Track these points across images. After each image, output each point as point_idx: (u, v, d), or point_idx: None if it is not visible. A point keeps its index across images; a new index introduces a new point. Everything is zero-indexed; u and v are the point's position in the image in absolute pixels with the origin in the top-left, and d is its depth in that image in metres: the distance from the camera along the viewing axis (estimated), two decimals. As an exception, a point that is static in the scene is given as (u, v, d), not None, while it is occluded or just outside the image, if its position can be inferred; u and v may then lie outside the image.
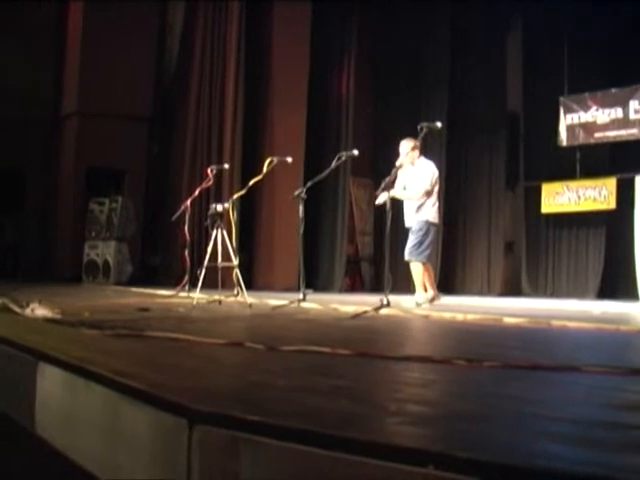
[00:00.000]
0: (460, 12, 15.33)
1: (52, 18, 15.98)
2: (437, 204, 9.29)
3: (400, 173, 8.76)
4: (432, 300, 9.01)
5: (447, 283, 14.64)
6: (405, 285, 10.82)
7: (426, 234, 8.98)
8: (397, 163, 8.50)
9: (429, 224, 9.04)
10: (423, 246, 8.95)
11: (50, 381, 2.93)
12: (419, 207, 9.01)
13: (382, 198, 8.50)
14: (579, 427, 1.90)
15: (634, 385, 2.73)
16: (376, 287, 14.87)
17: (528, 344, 4.65)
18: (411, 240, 9.01)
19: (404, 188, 9.07)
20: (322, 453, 1.61)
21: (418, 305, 8.67)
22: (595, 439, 1.73)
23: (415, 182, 9.05)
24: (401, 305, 7.73)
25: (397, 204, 9.34)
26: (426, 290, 9.16)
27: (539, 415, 2.07)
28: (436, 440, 1.68)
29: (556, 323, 5.80)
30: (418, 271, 9.05)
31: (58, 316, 5.26)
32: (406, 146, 8.94)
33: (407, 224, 9.16)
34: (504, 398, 2.39)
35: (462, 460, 1.42)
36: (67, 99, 15.77)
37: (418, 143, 8.60)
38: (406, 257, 9.04)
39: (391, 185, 7.59)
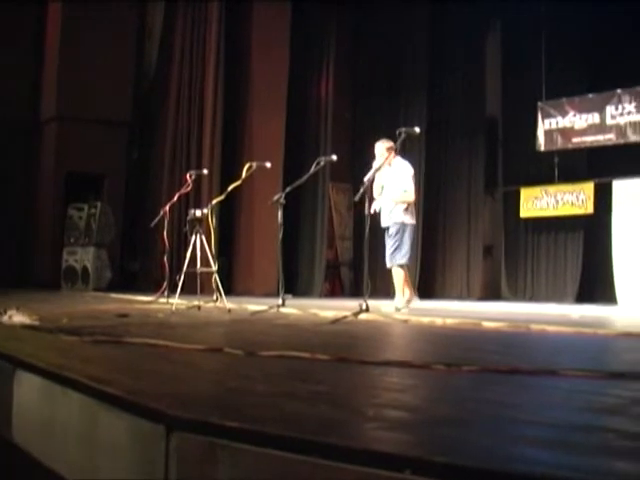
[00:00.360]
0: (439, 17, 15.40)
1: (31, 21, 15.89)
2: (412, 204, 9.31)
3: (377, 175, 8.72)
4: (409, 301, 9.06)
5: (426, 287, 14.68)
6: (385, 290, 10.83)
7: (403, 236, 9.00)
8: (374, 165, 8.53)
9: (404, 225, 9.04)
10: (403, 249, 8.97)
11: (27, 388, 2.91)
12: (395, 209, 9.02)
13: (376, 205, 8.64)
14: (557, 431, 1.90)
15: (612, 389, 2.74)
16: (356, 292, 14.85)
17: (507, 348, 4.67)
18: (390, 245, 9.03)
19: (382, 188, 9.08)
20: (300, 459, 1.61)
21: (398, 310, 8.68)
22: (572, 443, 1.74)
23: (394, 183, 9.08)
24: (380, 310, 7.73)
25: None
26: (401, 294, 9.19)
27: (517, 419, 2.07)
28: (414, 445, 1.68)
29: (535, 327, 5.83)
30: (400, 276, 9.07)
31: (36, 323, 5.23)
32: (381, 147, 8.98)
33: (383, 224, 9.18)
34: (483, 402, 2.40)
35: (439, 465, 1.43)
36: (46, 103, 15.69)
37: (393, 144, 8.57)
38: (388, 265, 9.07)
39: (370, 188, 7.59)
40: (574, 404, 2.39)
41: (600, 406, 2.33)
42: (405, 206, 9.07)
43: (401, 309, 8.75)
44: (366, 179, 7.63)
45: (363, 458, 1.52)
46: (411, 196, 9.09)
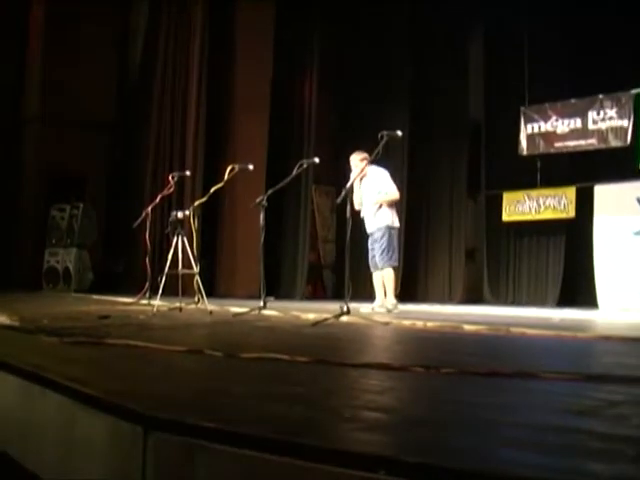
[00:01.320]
0: (422, 20, 15.42)
1: (14, 20, 15.82)
2: (395, 208, 9.50)
3: (356, 186, 9.07)
4: (382, 306, 9.36)
5: (409, 291, 14.68)
6: (367, 293, 10.84)
7: (389, 239, 9.33)
8: (352, 176, 8.72)
9: (390, 228, 9.37)
10: (391, 251, 9.32)
11: (5, 389, 2.90)
12: (378, 214, 9.25)
13: (362, 214, 9.37)
14: (532, 432, 1.92)
15: (589, 391, 2.76)
16: (338, 295, 14.81)
17: (486, 351, 4.69)
18: (377, 249, 9.32)
19: (361, 198, 9.32)
20: (276, 459, 1.62)
21: (389, 311, 8.89)
22: (547, 443, 1.75)
23: (371, 189, 9.43)
24: (361, 312, 7.80)
25: (358, 212, 9.52)
26: (386, 295, 9.35)
27: (493, 421, 2.08)
28: (390, 446, 1.70)
29: (515, 330, 5.85)
30: (391, 277, 9.38)
31: (16, 323, 5.22)
32: (355, 159, 9.43)
33: (368, 230, 9.41)
34: (460, 404, 2.41)
35: (412, 465, 1.44)
36: (29, 103, 15.64)
37: (366, 154, 8.96)
38: (378, 267, 9.38)
39: (350, 197, 7.68)
40: (551, 406, 2.41)
41: (576, 408, 2.35)
42: (388, 210, 9.38)
43: (392, 310, 9.05)
44: (347, 186, 7.69)
45: (338, 458, 1.53)
46: (393, 194, 9.49)
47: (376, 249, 9.39)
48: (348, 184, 7.69)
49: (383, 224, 9.38)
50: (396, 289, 9.82)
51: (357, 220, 9.13)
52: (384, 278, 9.43)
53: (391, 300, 9.39)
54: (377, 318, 7.31)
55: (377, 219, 9.43)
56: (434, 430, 1.94)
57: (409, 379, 3.02)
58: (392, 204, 9.59)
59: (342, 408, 2.23)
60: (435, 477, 1.40)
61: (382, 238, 9.35)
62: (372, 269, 9.59)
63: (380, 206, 9.45)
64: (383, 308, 9.33)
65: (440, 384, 2.92)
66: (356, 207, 9.11)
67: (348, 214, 7.26)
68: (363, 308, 8.94)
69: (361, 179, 9.34)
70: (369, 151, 8.46)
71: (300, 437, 1.67)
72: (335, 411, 2.18)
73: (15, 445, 2.71)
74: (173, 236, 8.65)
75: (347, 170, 9.38)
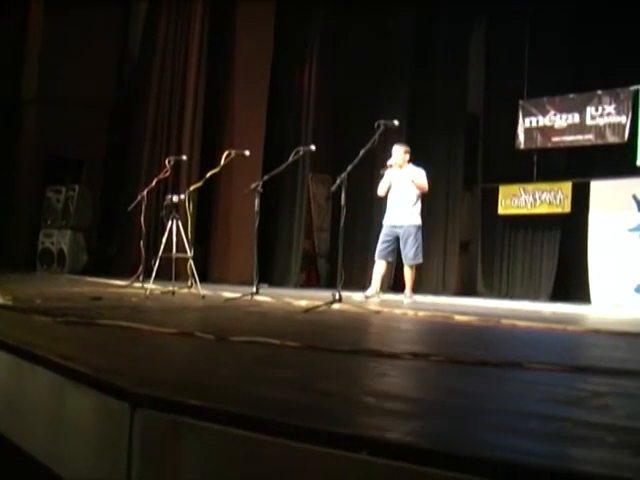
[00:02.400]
0: (423, 13, 15.39)
1: (13, 1, 15.76)
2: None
3: (388, 174, 9.73)
4: (369, 297, 9.58)
5: (402, 282, 14.67)
6: (360, 281, 10.88)
7: (421, 237, 9.88)
8: (388, 162, 9.44)
9: (420, 228, 9.91)
10: (421, 247, 9.86)
11: (-4, 365, 2.91)
12: (413, 210, 9.66)
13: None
14: (517, 419, 1.94)
15: (575, 382, 2.79)
16: (332, 283, 14.81)
17: (476, 341, 4.72)
18: (411, 244, 9.76)
19: (389, 188, 9.89)
20: (262, 438, 1.63)
21: (409, 303, 9.34)
22: (532, 430, 1.78)
23: (406, 182, 9.85)
24: (353, 300, 7.85)
25: (353, 201, 9.59)
26: (404, 289, 9.97)
27: (479, 407, 2.11)
28: (375, 428, 1.71)
29: (505, 322, 5.88)
30: (413, 272, 9.92)
31: (9, 303, 5.23)
32: (400, 149, 9.88)
33: (391, 222, 9.58)
34: (446, 391, 2.44)
35: (395, 446, 1.45)
36: (27, 84, 15.59)
37: (409, 149, 9.88)
38: (412, 261, 9.81)
39: (380, 178, 7.90)
40: (537, 395, 2.43)
41: (562, 398, 2.37)
42: (419, 209, 9.97)
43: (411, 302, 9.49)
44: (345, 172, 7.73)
45: (323, 438, 1.55)
46: (425, 183, 10.06)
47: (409, 244, 9.72)
48: (349, 167, 7.72)
49: (417, 223, 9.85)
50: (388, 281, 10.08)
51: (351, 209, 9.17)
52: (410, 273, 9.83)
53: (411, 294, 9.82)
54: (369, 306, 7.34)
55: (413, 216, 9.84)
56: (420, 414, 1.96)
57: (398, 366, 3.04)
58: (420, 203, 10.06)
59: (329, 391, 2.25)
60: (418, 459, 1.41)
61: (416, 235, 9.78)
62: (379, 258, 9.77)
63: (416, 202, 9.91)
64: (377, 297, 9.45)
65: (428, 371, 2.95)
66: (379, 193, 9.73)
67: (343, 203, 7.28)
68: (355, 296, 9.08)
69: (399, 167, 9.76)
70: (366, 140, 8.47)
71: (286, 417, 1.69)
72: (323, 393, 2.20)
73: (4, 420, 2.72)
74: (168, 220, 8.66)
75: (348, 159, 9.36)
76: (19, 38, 15.84)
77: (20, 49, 15.82)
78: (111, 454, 2.00)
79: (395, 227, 9.75)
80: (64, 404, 2.31)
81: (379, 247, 9.83)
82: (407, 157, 9.79)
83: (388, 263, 10.00)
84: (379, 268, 9.82)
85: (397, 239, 9.77)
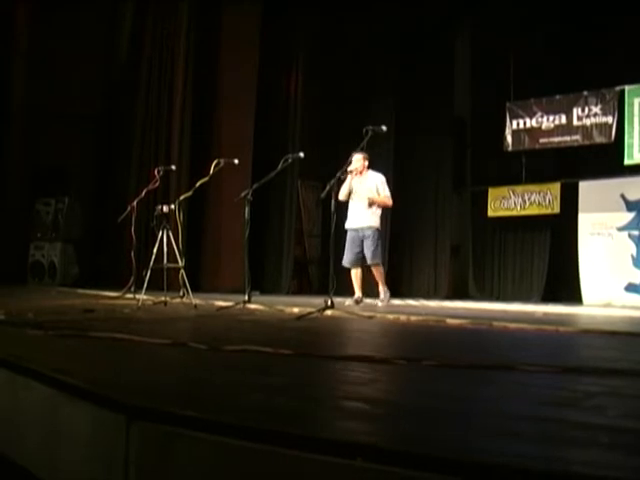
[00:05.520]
0: (408, 16, 15.40)
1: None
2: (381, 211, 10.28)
3: (349, 179, 9.81)
4: (359, 302, 9.89)
5: (394, 286, 14.68)
6: (352, 287, 10.85)
7: (379, 239, 10.08)
8: (348, 169, 8.94)
9: (379, 230, 10.10)
10: (380, 248, 10.18)
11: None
12: (372, 213, 9.75)
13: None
14: (509, 422, 1.95)
15: (567, 383, 2.81)
16: (323, 289, 14.79)
17: (468, 344, 4.72)
18: (369, 245, 9.94)
19: (350, 193, 10.01)
20: (256, 447, 1.64)
21: (384, 305, 9.66)
22: (524, 432, 1.79)
23: (369, 188, 10.00)
24: (344, 306, 7.87)
25: (343, 207, 9.66)
26: (378, 288, 10.08)
27: (472, 411, 2.12)
28: (368, 434, 1.72)
29: (497, 324, 5.89)
30: (381, 271, 10.17)
31: (1, 316, 5.22)
32: (359, 157, 9.81)
33: (353, 225, 9.75)
34: (439, 395, 2.45)
35: (389, 452, 1.47)
36: (14, 95, 15.54)
37: (367, 156, 9.91)
38: (371, 261, 9.99)
39: (339, 184, 7.93)
40: (529, 397, 2.45)
41: (554, 399, 2.39)
42: (379, 212, 10.05)
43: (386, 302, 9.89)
44: (338, 175, 7.80)
45: (317, 446, 1.56)
46: (389, 200, 10.20)
47: (368, 246, 9.92)
48: (338, 174, 7.78)
49: (375, 225, 9.98)
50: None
51: (341, 215, 9.30)
52: (378, 272, 10.08)
53: (385, 290, 10.13)
54: (360, 312, 7.35)
55: (370, 218, 9.97)
56: (414, 420, 1.97)
57: (390, 371, 3.05)
58: (381, 207, 10.17)
59: (324, 398, 2.26)
60: (411, 464, 1.43)
61: (373, 236, 9.93)
62: (350, 265, 9.92)
63: (373, 205, 9.96)
64: (362, 302, 9.76)
65: (421, 376, 2.96)
66: (340, 197, 9.54)
67: (333, 209, 7.31)
68: (348, 302, 9.26)
69: (357, 174, 9.90)
70: (354, 146, 8.50)
71: (281, 425, 1.70)
72: (317, 401, 2.21)
73: (-1, 435, 2.72)
74: (158, 230, 8.65)
75: (337, 165, 9.41)
76: (5, 49, 15.79)
77: (6, 60, 15.77)
78: (108, 467, 2.00)
79: (357, 230, 10.01)
80: (59, 418, 2.31)
81: (348, 254, 10.08)
82: (366, 163, 10.00)
83: (361, 268, 10.17)
84: (355, 274, 10.14)
85: (362, 242, 9.97)
